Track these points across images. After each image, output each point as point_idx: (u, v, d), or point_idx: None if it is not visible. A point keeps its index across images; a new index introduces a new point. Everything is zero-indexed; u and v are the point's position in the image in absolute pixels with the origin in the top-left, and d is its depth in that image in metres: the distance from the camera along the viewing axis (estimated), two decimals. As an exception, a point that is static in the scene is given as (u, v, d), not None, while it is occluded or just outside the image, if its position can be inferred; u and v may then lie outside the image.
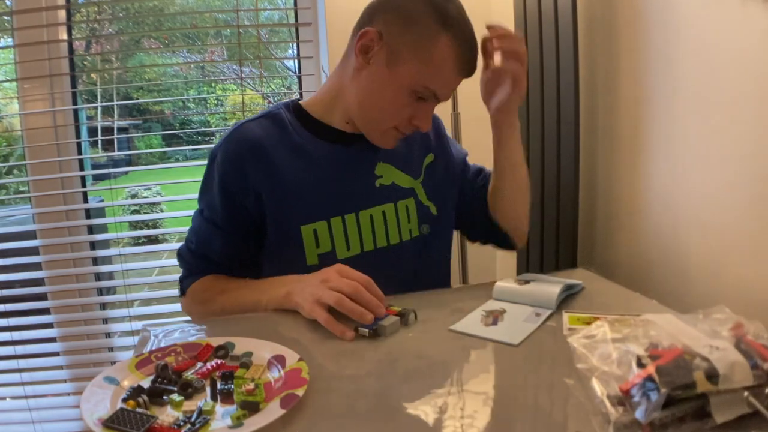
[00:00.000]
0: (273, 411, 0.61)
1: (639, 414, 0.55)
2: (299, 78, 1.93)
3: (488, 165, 1.83)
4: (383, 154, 1.06)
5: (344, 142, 1.03)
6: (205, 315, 1.03)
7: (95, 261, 1.84)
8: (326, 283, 0.84)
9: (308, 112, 1.05)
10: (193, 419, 0.61)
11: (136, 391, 0.65)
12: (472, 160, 1.25)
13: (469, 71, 0.97)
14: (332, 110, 1.04)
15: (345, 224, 1.00)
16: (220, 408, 0.64)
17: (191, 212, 1.09)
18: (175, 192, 1.97)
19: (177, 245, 1.13)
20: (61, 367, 1.83)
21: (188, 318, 1.06)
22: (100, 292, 1.85)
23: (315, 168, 1.00)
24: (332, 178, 1.01)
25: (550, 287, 0.94)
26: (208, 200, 1.03)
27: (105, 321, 1.87)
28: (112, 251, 1.85)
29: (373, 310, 0.82)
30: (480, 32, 0.98)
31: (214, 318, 1.00)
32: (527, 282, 0.97)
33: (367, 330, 0.81)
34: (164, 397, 0.66)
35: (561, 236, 1.41)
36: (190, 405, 0.65)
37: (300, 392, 0.65)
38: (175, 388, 0.67)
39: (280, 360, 0.73)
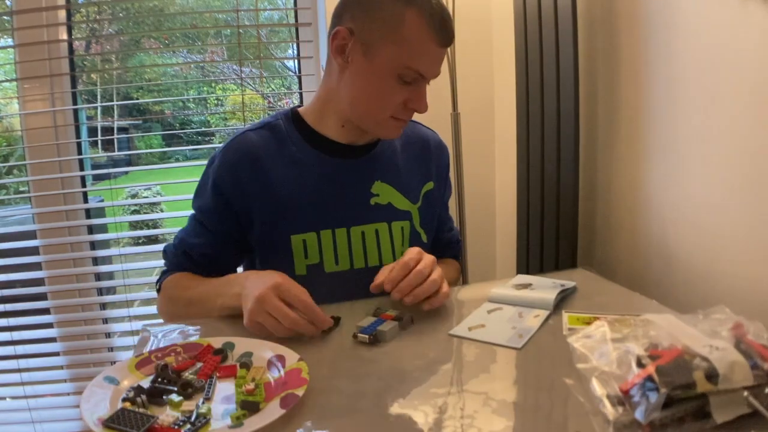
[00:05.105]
0: (273, 411, 0.62)
1: (639, 414, 0.55)
2: (299, 78, 1.92)
3: (487, 162, 1.84)
4: (382, 173, 1.06)
5: (341, 155, 1.03)
6: (173, 315, 1.02)
7: (95, 261, 1.84)
8: (262, 305, 0.79)
9: (306, 120, 1.05)
10: (192, 419, 0.61)
11: (136, 391, 0.65)
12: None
13: (445, 40, 0.94)
14: (325, 118, 1.04)
15: (335, 237, 1.01)
16: (220, 408, 0.64)
17: (191, 212, 1.10)
18: (175, 192, 1.96)
19: (177, 246, 1.12)
20: (61, 367, 1.83)
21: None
22: (100, 292, 1.85)
23: (309, 180, 1.01)
24: (326, 191, 1.02)
25: (545, 291, 0.95)
26: (201, 202, 1.05)
27: (105, 321, 1.87)
28: (112, 251, 1.84)
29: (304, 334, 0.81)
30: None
31: (182, 320, 0.97)
32: (524, 287, 0.98)
33: (366, 336, 0.81)
34: (164, 397, 0.66)
35: (561, 236, 1.41)
36: (190, 405, 0.65)
37: (300, 392, 0.65)
38: (175, 388, 0.67)
39: (280, 360, 0.73)
